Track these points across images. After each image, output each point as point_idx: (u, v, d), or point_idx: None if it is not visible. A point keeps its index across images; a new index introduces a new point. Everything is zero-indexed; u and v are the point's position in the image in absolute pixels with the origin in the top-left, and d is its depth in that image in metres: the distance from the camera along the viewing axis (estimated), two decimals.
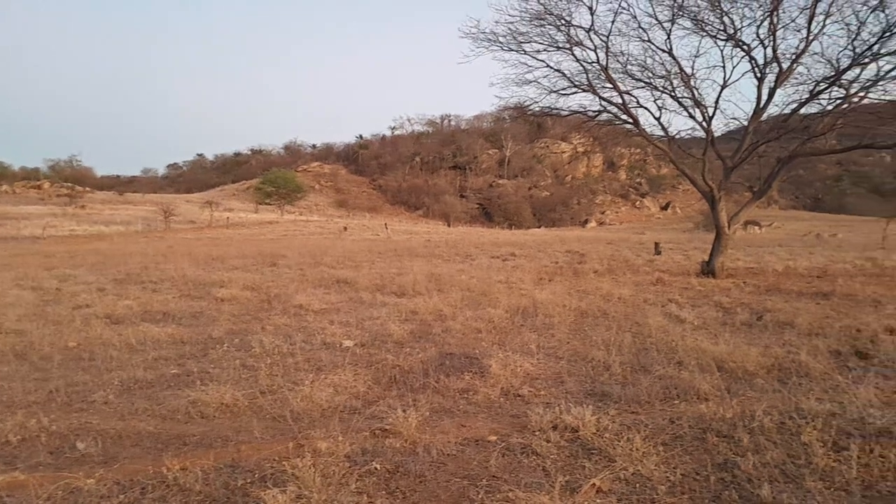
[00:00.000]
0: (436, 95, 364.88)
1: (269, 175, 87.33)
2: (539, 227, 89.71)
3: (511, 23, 14.90)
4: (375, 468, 3.65)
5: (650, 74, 15.89)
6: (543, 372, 5.87)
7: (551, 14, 14.74)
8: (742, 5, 14.36)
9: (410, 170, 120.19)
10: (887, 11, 12.96)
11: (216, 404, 4.84)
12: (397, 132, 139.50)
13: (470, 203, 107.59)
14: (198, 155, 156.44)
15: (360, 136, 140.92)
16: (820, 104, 15.19)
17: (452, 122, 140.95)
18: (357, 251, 22.34)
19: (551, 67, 15.70)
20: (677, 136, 17.11)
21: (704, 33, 15.17)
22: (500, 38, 15.10)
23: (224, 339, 7.49)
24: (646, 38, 15.46)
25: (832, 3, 13.61)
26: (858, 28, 13.48)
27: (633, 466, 3.58)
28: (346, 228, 45.67)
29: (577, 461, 3.74)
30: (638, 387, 5.26)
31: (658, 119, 16.41)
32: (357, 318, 8.81)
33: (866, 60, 13.81)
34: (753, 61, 15.20)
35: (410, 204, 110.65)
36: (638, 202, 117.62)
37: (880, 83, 14.08)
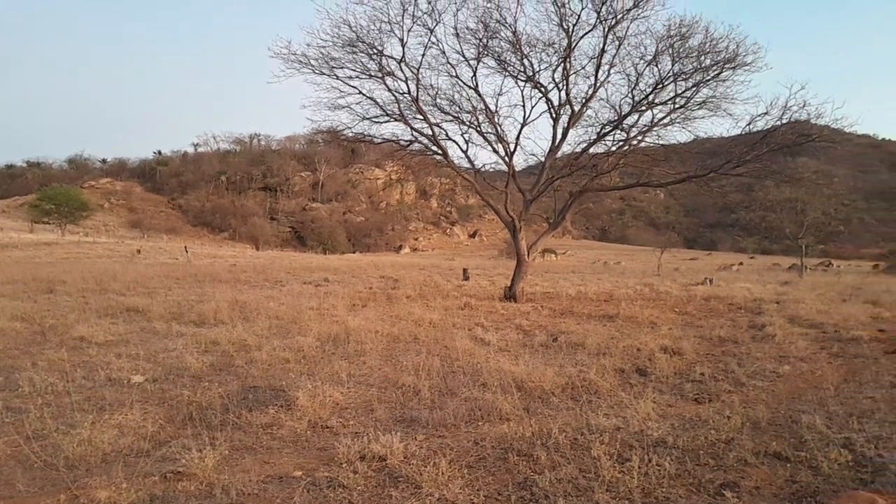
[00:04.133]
0: (245, 113, 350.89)
1: (48, 191, 77.05)
2: (354, 252, 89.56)
3: (323, 47, 14.81)
4: None
5: (458, 109, 16.69)
6: (353, 401, 5.76)
7: (363, 42, 14.87)
8: (540, 50, 15.70)
9: (215, 189, 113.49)
10: (660, 66, 14.88)
11: None
12: (201, 149, 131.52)
13: (281, 226, 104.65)
14: None
15: (159, 152, 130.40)
16: (606, 145, 17.02)
17: (262, 142, 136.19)
18: (152, 276, 20.54)
19: (364, 94, 15.81)
20: (483, 169, 18.08)
21: (507, 73, 16.30)
22: (312, 62, 14.89)
23: None
24: (454, 74, 16.24)
25: (615, 55, 15.34)
26: (637, 79, 15.38)
27: (439, 491, 3.61)
28: (139, 251, 41.84)
29: (384, 491, 3.69)
30: (445, 410, 5.36)
31: (465, 152, 17.26)
32: (149, 350, 8.04)
33: (643, 108, 15.78)
34: (550, 102, 16.63)
35: (215, 226, 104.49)
36: (448, 230, 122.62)
37: (654, 129, 16.15)
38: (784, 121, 13.91)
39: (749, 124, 14.65)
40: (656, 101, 15.60)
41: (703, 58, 14.47)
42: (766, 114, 14.04)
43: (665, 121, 16.00)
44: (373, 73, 15.43)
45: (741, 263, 60.05)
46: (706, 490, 3.70)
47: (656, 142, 16.95)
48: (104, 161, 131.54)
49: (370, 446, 4.23)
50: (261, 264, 32.96)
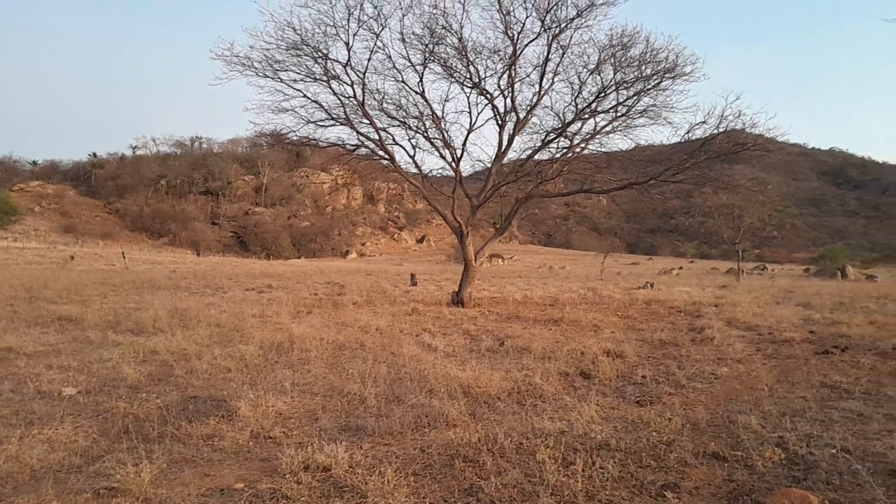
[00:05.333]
0: (185, 116, 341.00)
1: None
2: (299, 257, 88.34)
3: (267, 50, 14.56)
4: None
5: (405, 114, 16.68)
6: (297, 410, 5.65)
7: (308, 45, 14.68)
8: (485, 57, 15.83)
9: (154, 193, 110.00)
10: (602, 75, 15.20)
11: None
12: (139, 152, 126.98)
13: (223, 231, 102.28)
14: None
15: (94, 154, 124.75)
16: (550, 152, 17.29)
17: (204, 145, 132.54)
18: (86, 283, 19.76)
19: (309, 98, 15.63)
20: (430, 174, 18.10)
21: (453, 79, 16.38)
22: (255, 64, 14.60)
23: None
24: (400, 79, 16.22)
25: (559, 63, 15.60)
26: (580, 87, 15.67)
27: (385, 500, 3.57)
28: (73, 257, 40.21)
29: (328, 501, 3.63)
30: (391, 418, 5.31)
31: (412, 157, 17.28)
32: (82, 360, 7.71)
33: (586, 116, 16.10)
34: (496, 109, 16.78)
35: (154, 231, 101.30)
36: (396, 235, 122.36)
37: (597, 137, 16.49)
38: (721, 129, 14.40)
39: (688, 133, 15.10)
40: (599, 109, 15.93)
41: (643, 67, 14.84)
42: (703, 123, 14.54)
43: (607, 128, 16.36)
44: (318, 77, 15.27)
45: (681, 268, 61.81)
46: (648, 491, 3.76)
47: (599, 149, 17.34)
48: (34, 163, 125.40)
49: (314, 456, 4.15)
50: (202, 270, 32.14)
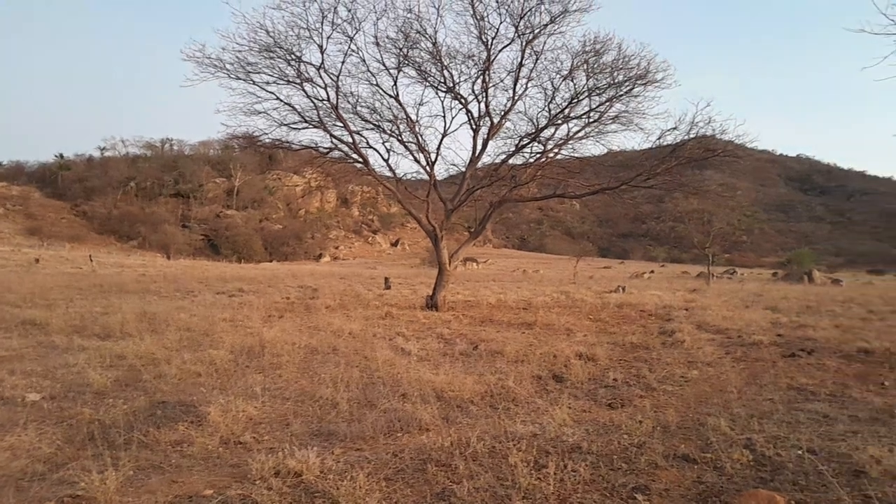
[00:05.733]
0: (156, 117, 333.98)
1: None
2: (271, 260, 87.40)
3: (239, 51, 14.40)
4: None
5: (379, 117, 16.62)
6: (268, 415, 5.59)
7: (281, 48, 14.55)
8: (460, 62, 15.87)
9: (124, 196, 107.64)
10: (575, 81, 15.35)
11: None
12: (108, 153, 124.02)
13: (194, 234, 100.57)
14: None
15: (61, 156, 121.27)
16: (524, 156, 17.40)
17: (175, 147, 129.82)
18: (52, 287, 19.30)
19: (281, 100, 15.45)
20: (404, 178, 18.07)
21: (427, 84, 16.38)
22: (228, 66, 14.40)
23: None
24: (374, 82, 16.16)
25: (533, 69, 15.71)
26: (553, 93, 15.81)
27: None
28: (38, 260, 39.27)
29: None
30: (364, 422, 5.28)
31: (387, 160, 17.19)
32: (47, 366, 7.53)
33: (559, 122, 16.23)
34: (470, 114, 16.84)
35: (123, 233, 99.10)
36: (370, 238, 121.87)
37: (570, 142, 16.66)
38: (691, 135, 14.60)
39: (659, 138, 15.34)
40: (572, 114, 16.09)
41: (616, 74, 15.02)
42: (674, 129, 14.73)
43: (580, 134, 16.55)
44: (291, 79, 15.13)
45: (652, 272, 62.59)
46: (619, 494, 3.78)
47: (572, 154, 17.55)
48: None
49: (285, 462, 4.09)
50: (172, 274, 31.62)
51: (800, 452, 4.51)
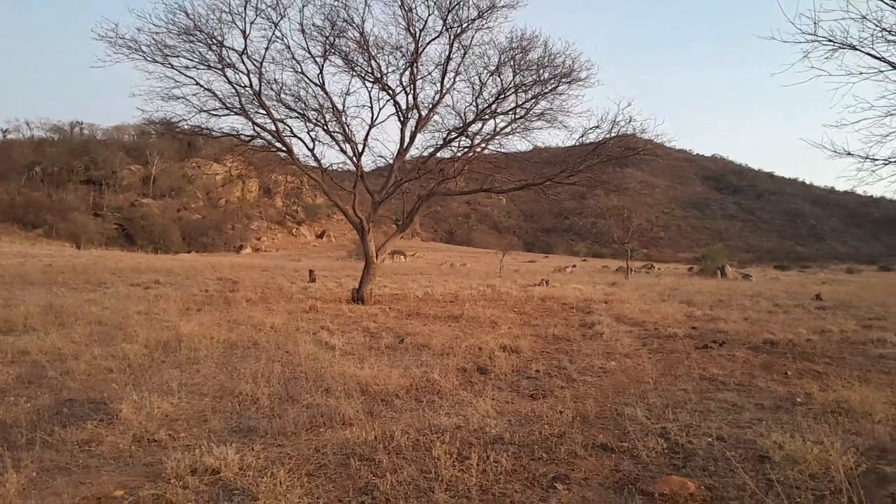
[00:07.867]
0: (64, 99, 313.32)
1: None
2: (189, 251, 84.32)
3: (156, 34, 13.73)
4: None
5: (304, 105, 16.24)
6: (185, 412, 5.37)
7: (202, 31, 14.00)
8: (388, 53, 15.77)
9: (28, 181, 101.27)
10: (502, 77, 15.51)
11: None
12: (11, 136, 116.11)
13: (107, 223, 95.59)
14: None
15: None
16: (452, 150, 17.47)
17: (86, 131, 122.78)
18: None
19: (202, 86, 14.82)
20: (330, 169, 17.79)
21: (354, 73, 16.18)
22: (143, 48, 13.69)
23: None
24: (299, 70, 15.82)
25: (461, 63, 15.78)
26: (481, 88, 15.93)
27: (277, 502, 3.47)
28: None
29: None
30: (285, 418, 5.16)
31: (312, 150, 16.82)
32: None
33: (486, 117, 16.38)
34: (398, 105, 16.74)
35: (27, 221, 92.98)
36: (294, 229, 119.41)
37: (497, 137, 16.85)
38: (613, 134, 15.06)
39: (582, 136, 15.74)
40: (498, 110, 16.28)
41: (541, 71, 15.31)
42: (597, 127, 15.17)
43: (506, 130, 16.77)
44: (212, 65, 14.54)
45: (574, 266, 64.29)
46: (540, 484, 3.85)
47: (499, 149, 17.76)
48: None
49: (202, 459, 3.96)
50: (82, 264, 29.97)
51: (710, 440, 4.74)
